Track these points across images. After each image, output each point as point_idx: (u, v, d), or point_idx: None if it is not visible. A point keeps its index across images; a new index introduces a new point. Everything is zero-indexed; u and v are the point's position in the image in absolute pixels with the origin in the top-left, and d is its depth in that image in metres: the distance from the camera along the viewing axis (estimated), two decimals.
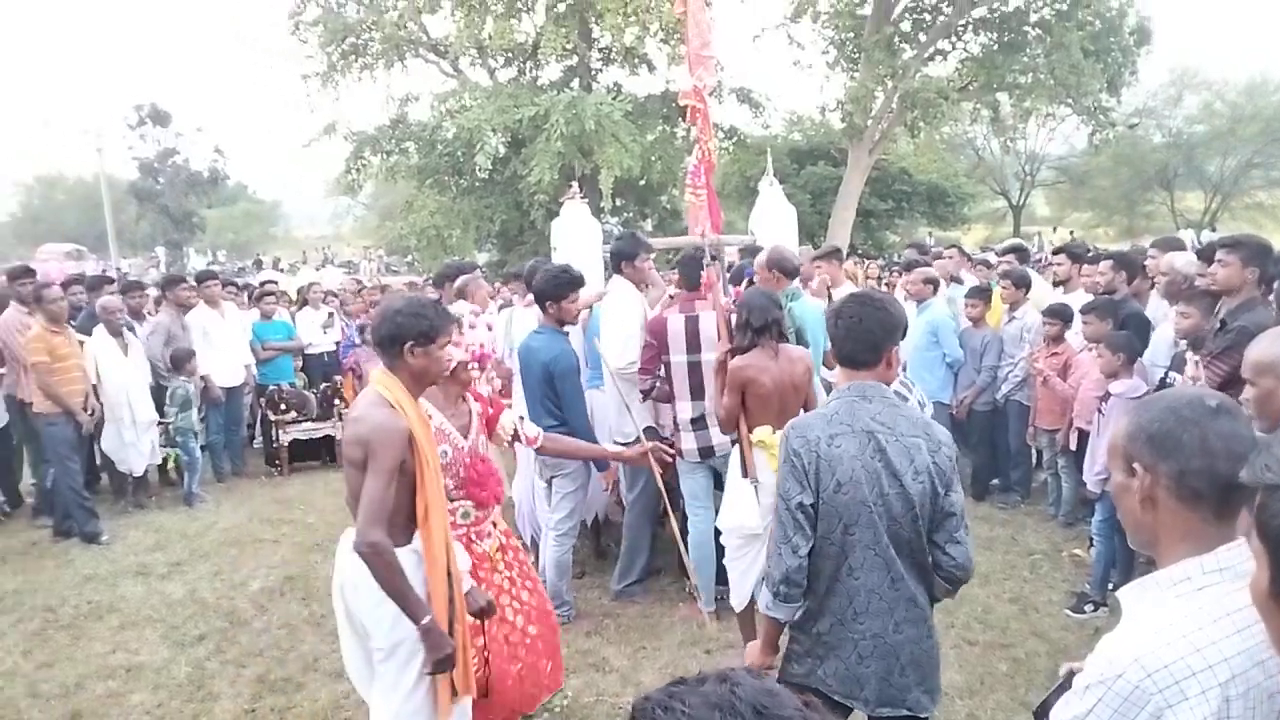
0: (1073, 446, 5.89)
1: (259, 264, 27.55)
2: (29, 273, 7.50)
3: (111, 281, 8.90)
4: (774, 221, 6.78)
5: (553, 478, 5.01)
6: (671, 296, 5.39)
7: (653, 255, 5.68)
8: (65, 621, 5.29)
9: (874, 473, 2.38)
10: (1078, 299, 6.32)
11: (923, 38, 19.05)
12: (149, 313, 8.39)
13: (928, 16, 19.10)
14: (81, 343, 7.00)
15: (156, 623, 5.21)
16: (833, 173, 22.22)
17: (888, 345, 2.47)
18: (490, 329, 4.24)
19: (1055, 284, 7.06)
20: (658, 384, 4.98)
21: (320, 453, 8.61)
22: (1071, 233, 32.81)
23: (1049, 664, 4.26)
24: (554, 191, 16.39)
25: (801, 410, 4.04)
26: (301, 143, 19.42)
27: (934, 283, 7.00)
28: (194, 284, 8.44)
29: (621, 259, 5.32)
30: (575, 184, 7.01)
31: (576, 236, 6.52)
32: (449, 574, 2.98)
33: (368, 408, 2.88)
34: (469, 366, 3.49)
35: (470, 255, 19.80)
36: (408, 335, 2.88)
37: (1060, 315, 6.18)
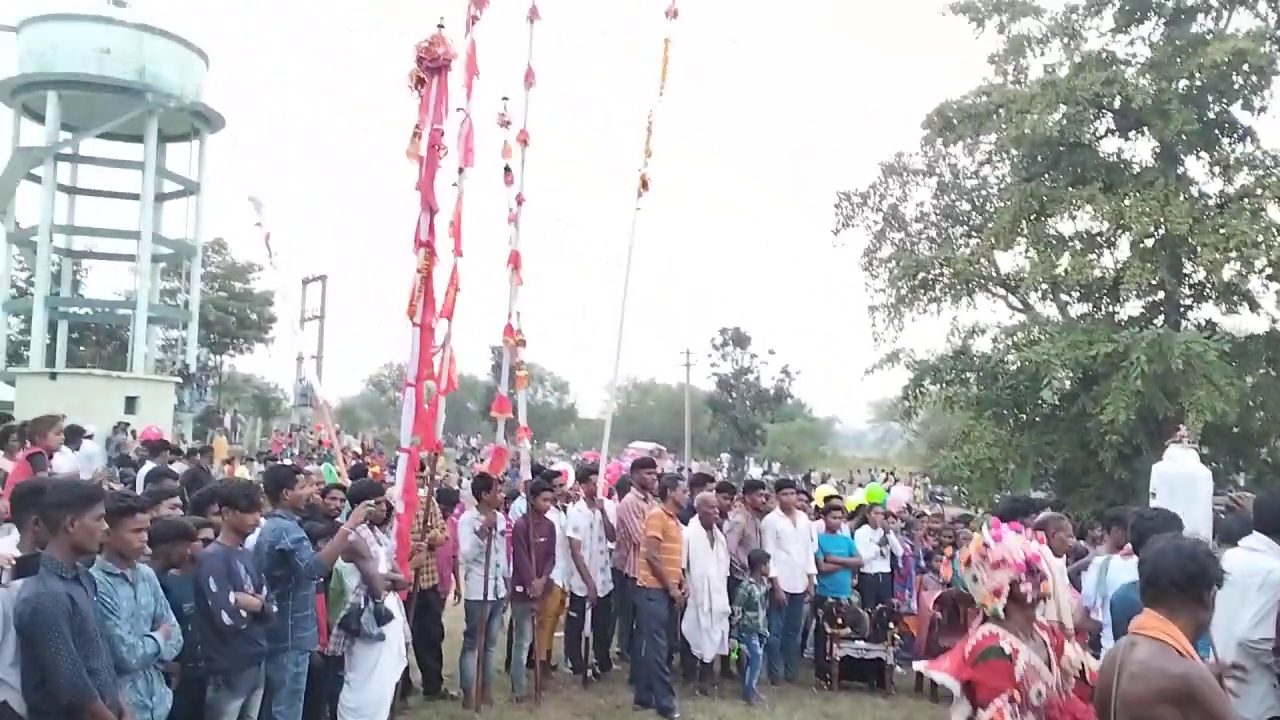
0: None
1: (808, 479, 29.15)
2: (652, 464, 8.86)
3: (711, 480, 10.02)
4: None
5: None
6: None
7: None
8: None
9: None
10: None
11: None
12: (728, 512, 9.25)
13: None
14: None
15: None
16: None
17: None
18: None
19: None
20: None
21: (870, 674, 8.52)
22: None
23: None
24: (1128, 433, 15.13)
25: None
26: (863, 368, 20.70)
27: None
28: (771, 490, 9.20)
29: (1271, 518, 4.69)
30: (1183, 427, 6.44)
31: (1181, 483, 6.00)
32: None
33: (1157, 659, 2.75)
34: (1020, 585, 3.27)
35: (1025, 493, 18.86)
36: (1190, 582, 2.83)
37: None
